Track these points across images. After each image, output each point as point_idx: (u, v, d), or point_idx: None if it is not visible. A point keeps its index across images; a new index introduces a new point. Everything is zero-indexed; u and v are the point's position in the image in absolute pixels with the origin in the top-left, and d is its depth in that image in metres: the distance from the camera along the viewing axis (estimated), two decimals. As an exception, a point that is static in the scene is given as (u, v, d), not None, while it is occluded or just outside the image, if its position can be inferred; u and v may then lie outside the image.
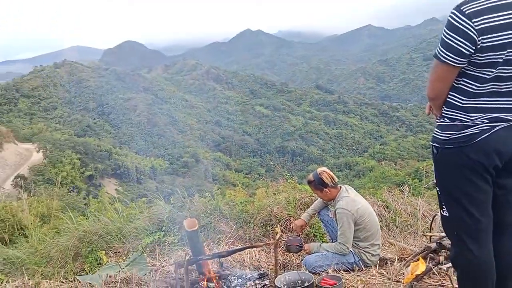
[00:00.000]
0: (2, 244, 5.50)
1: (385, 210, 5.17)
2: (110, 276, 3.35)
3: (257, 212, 4.91)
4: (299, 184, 5.96)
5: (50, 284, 3.41)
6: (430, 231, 4.01)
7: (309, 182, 3.67)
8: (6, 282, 3.50)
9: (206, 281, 3.05)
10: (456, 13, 1.84)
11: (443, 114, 2.07)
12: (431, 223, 4.12)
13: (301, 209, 5.01)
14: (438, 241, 3.37)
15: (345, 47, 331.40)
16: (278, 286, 2.87)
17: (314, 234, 4.54)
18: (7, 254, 4.82)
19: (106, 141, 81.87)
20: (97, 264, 4.42)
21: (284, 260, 3.85)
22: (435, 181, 2.19)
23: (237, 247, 3.77)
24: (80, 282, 3.42)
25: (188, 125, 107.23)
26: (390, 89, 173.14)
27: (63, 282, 3.56)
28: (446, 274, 3.06)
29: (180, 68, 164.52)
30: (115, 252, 4.75)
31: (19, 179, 38.23)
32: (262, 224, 4.76)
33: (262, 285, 3.06)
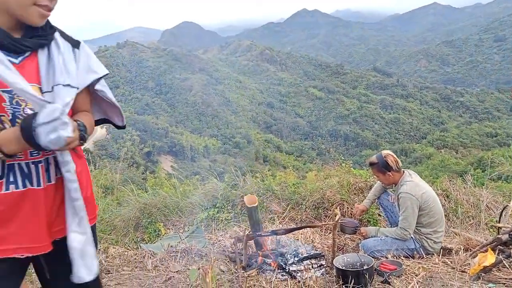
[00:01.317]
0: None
1: (445, 199, 4.92)
2: (171, 246, 3.51)
3: (309, 194, 4.88)
4: (353, 168, 5.82)
5: (117, 249, 3.65)
6: (499, 223, 3.75)
7: (371, 164, 3.55)
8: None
9: (263, 257, 3.09)
10: None
11: None
12: (501, 214, 3.85)
13: (354, 193, 4.89)
14: (510, 233, 3.14)
15: (407, 27, 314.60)
16: (337, 266, 2.84)
17: (367, 220, 4.43)
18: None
19: (163, 119, 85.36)
20: (156, 235, 4.65)
21: (339, 243, 3.80)
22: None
23: (295, 226, 3.78)
24: (144, 249, 3.63)
25: (241, 106, 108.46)
26: (454, 73, 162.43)
27: (128, 249, 3.79)
28: (519, 268, 2.85)
29: (235, 49, 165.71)
30: (173, 225, 4.97)
31: (85, 152, 41.06)
32: (314, 207, 4.73)
33: (318, 264, 3.05)
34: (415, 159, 52.73)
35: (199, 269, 2.82)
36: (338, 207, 4.46)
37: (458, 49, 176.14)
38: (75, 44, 1.38)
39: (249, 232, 3.15)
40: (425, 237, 3.38)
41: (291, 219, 4.66)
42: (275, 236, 3.30)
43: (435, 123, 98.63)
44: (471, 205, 4.90)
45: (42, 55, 1.28)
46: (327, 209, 4.70)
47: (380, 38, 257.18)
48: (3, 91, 1.20)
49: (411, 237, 3.37)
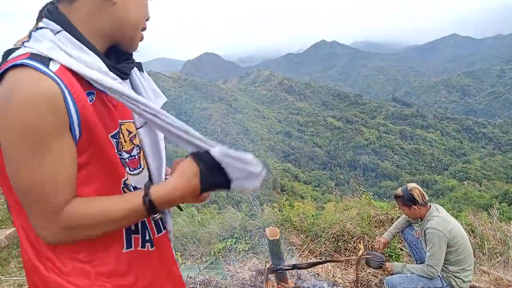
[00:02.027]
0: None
1: (470, 234, 4.73)
2: (190, 277, 3.46)
3: (328, 226, 4.76)
4: (373, 200, 5.70)
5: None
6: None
7: (397, 197, 3.47)
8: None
9: (283, 292, 3.01)
10: None
11: None
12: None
13: (375, 226, 4.76)
14: (545, 274, 2.97)
15: (427, 58, 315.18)
16: (360, 305, 2.74)
17: (389, 254, 4.28)
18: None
19: (182, 148, 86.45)
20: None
21: (362, 279, 3.67)
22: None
23: (317, 260, 3.68)
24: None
25: (259, 135, 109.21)
26: (476, 103, 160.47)
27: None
28: (556, 312, 2.68)
29: (254, 79, 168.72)
30: (190, 255, 4.90)
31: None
32: (333, 239, 4.60)
33: (341, 302, 2.95)
34: (437, 191, 51.49)
35: (218, 302, 2.76)
36: (359, 240, 4.34)
37: (479, 79, 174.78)
38: (140, 66, 1.16)
39: (270, 265, 3.09)
40: (453, 275, 3.23)
41: (310, 252, 4.55)
42: (296, 270, 3.22)
43: (457, 154, 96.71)
44: (498, 241, 4.72)
45: (126, 82, 1.06)
46: (347, 242, 4.58)
47: (399, 69, 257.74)
48: (111, 137, 0.97)
49: (438, 275, 3.23)
